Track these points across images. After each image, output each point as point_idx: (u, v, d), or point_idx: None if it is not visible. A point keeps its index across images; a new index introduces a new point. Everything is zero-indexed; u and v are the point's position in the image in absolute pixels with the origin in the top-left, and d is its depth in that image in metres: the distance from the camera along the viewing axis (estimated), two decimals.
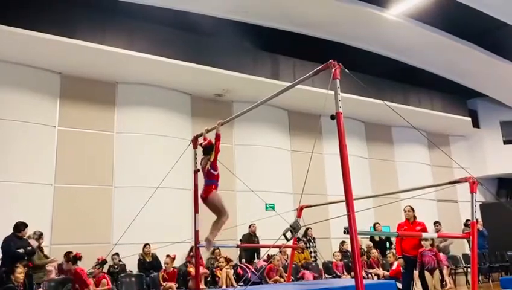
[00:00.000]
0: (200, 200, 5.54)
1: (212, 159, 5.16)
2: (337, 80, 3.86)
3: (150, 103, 10.76)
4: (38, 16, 8.60)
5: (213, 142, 5.33)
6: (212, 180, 5.20)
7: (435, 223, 11.59)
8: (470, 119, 16.05)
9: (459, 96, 15.87)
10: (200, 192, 5.50)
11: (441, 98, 15.31)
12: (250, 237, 10.51)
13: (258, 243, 10.47)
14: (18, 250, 7.15)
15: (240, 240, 10.47)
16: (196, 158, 6.35)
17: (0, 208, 8.46)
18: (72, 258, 7.53)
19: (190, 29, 10.56)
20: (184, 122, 11.26)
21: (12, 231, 7.41)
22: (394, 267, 9.32)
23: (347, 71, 4.00)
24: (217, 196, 5.19)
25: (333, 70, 3.87)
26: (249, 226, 10.47)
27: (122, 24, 9.67)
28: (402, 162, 15.35)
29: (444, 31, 12.06)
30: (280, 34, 11.56)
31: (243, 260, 10.25)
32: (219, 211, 5.20)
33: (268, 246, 4.71)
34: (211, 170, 5.17)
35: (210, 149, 5.23)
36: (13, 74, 9.30)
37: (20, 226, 7.41)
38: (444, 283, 8.46)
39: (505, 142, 16.75)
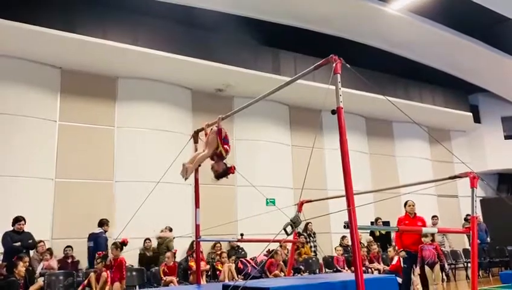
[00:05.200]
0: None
1: (218, 151, 5.04)
2: (338, 75, 3.84)
3: (150, 98, 10.75)
4: (39, 10, 8.58)
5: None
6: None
7: (433, 217, 11.58)
8: (471, 114, 16.04)
9: (461, 92, 15.85)
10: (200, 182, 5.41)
11: (442, 93, 15.29)
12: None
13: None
14: (15, 244, 7.29)
15: (241, 235, 10.48)
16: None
17: (1, 202, 8.50)
18: (120, 244, 7.74)
19: (191, 23, 10.53)
20: (185, 117, 11.26)
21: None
22: (394, 261, 9.34)
23: (348, 66, 3.97)
24: (215, 136, 5.02)
25: (334, 65, 3.84)
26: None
27: (123, 19, 9.64)
28: (403, 157, 15.36)
29: (445, 25, 12.02)
30: (281, 29, 11.52)
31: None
32: (210, 147, 5.00)
33: (269, 241, 4.70)
34: (219, 158, 5.03)
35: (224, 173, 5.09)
36: (14, 68, 9.29)
37: (16, 221, 7.55)
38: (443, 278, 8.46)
39: (506, 138, 16.74)
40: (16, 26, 8.24)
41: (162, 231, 9.77)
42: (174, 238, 9.51)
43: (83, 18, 9.09)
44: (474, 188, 4.77)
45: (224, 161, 5.06)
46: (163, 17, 10.21)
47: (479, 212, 11.72)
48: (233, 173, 5.04)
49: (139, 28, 9.76)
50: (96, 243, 8.71)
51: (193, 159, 4.99)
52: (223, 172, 5.02)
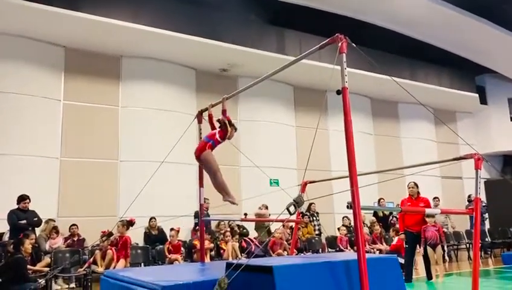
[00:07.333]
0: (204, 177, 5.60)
1: (225, 129, 5.22)
2: (344, 54, 3.77)
3: (154, 77, 10.71)
4: None
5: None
6: (211, 139, 5.20)
7: (434, 198, 11.57)
8: (477, 95, 15.90)
9: (467, 73, 15.66)
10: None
11: (449, 74, 15.12)
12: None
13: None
14: (21, 221, 7.42)
15: (245, 214, 10.58)
16: (201, 133, 6.35)
17: (7, 180, 8.59)
18: (127, 223, 7.88)
19: (195, 2, 10.40)
20: (189, 96, 11.23)
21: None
22: (394, 242, 9.40)
23: (354, 45, 3.91)
24: (211, 155, 5.13)
25: (340, 44, 3.78)
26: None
27: None
28: (408, 138, 15.31)
29: (452, 4, 11.81)
30: (286, 8, 11.36)
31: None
32: (213, 170, 5.10)
33: (272, 220, 4.74)
34: (217, 135, 5.19)
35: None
36: (18, 47, 9.26)
37: (21, 199, 7.72)
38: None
39: None
40: (19, 4, 8.18)
41: (259, 208, 10.22)
42: (270, 215, 9.87)
43: None
44: (479, 170, 4.75)
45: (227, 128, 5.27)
46: None
47: (482, 194, 11.71)
48: (225, 114, 5.33)
49: (143, 7, 9.66)
50: None
51: (219, 187, 5.14)
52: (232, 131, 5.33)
